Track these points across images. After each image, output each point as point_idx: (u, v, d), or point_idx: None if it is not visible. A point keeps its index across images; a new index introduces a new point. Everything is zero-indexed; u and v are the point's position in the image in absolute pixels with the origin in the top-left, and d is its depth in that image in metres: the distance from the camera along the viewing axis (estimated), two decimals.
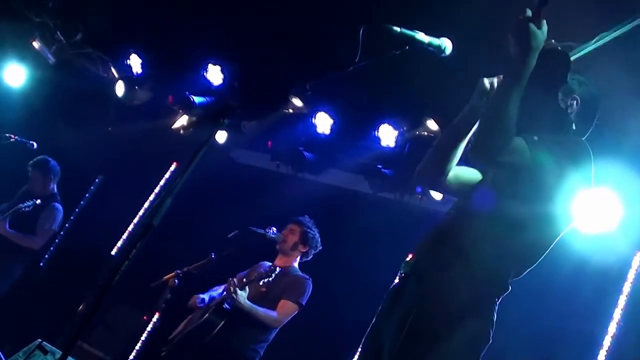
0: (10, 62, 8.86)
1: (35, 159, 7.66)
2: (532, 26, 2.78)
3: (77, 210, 9.23)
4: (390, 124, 6.98)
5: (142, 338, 6.71)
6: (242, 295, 5.78)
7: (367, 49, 3.09)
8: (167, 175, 9.26)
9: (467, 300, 3.02)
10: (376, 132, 7.05)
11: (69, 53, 9.11)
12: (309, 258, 6.46)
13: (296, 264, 6.38)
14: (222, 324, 5.86)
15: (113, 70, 9.08)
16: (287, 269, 6.27)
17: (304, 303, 6.04)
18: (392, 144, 7.02)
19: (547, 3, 2.75)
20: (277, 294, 5.99)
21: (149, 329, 6.56)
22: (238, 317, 5.84)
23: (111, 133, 9.24)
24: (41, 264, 8.47)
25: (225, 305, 5.86)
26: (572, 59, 3.08)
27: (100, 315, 7.45)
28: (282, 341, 6.22)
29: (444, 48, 3.15)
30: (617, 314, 5.80)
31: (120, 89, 8.73)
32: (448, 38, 3.17)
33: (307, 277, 6.21)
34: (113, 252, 8.94)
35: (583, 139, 3.24)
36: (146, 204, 9.01)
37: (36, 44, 8.89)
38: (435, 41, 3.14)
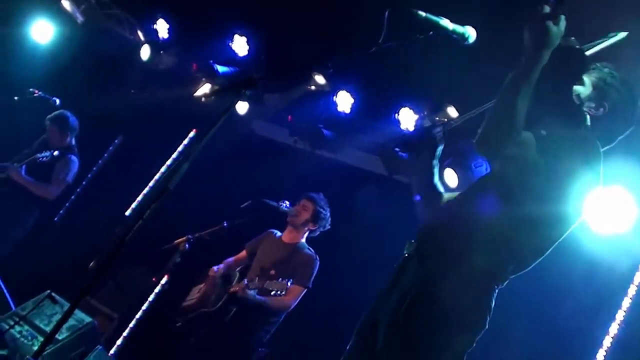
0: (39, 18, 8.91)
1: (53, 113, 7.70)
2: (549, 23, 2.76)
3: (94, 168, 9.29)
4: (410, 108, 6.98)
5: (150, 299, 6.80)
6: (252, 294, 5.88)
7: (392, 32, 3.10)
8: (185, 141, 9.31)
9: (465, 286, 3.06)
10: (396, 115, 7.04)
11: (97, 13, 9.15)
12: (315, 235, 6.54)
13: (304, 240, 6.45)
14: (235, 310, 5.98)
15: (140, 33, 9.13)
16: (295, 246, 6.34)
17: (311, 285, 6.16)
18: (411, 128, 7.02)
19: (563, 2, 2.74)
20: (287, 274, 6.05)
21: (157, 290, 6.65)
22: (250, 307, 5.95)
23: (134, 95, 9.28)
24: (56, 218, 8.55)
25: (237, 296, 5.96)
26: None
27: (111, 273, 7.52)
28: (287, 317, 6.31)
29: (468, 36, 3.17)
30: (620, 315, 5.77)
31: (145, 52, 8.78)
32: (473, 27, 3.20)
33: (315, 255, 6.29)
34: (127, 213, 9.01)
35: (613, 144, 3.23)
36: (163, 168, 9.06)
37: (65, 2, 8.94)
38: (459, 29, 3.16)
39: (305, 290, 6.12)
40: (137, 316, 6.89)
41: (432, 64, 5.98)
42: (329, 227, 6.56)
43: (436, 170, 3.74)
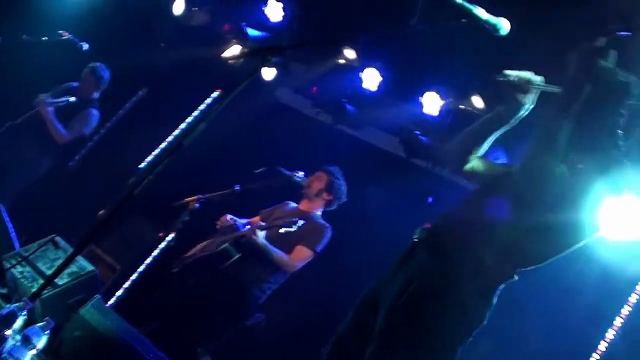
0: None
1: (95, 64, 7.72)
2: (599, 60, 2.69)
3: (114, 118, 9.29)
4: (436, 92, 6.93)
5: (154, 253, 6.81)
6: (261, 235, 5.88)
7: (426, 14, 3.07)
8: (208, 101, 9.28)
9: (470, 280, 3.05)
10: (420, 98, 7.00)
11: None
12: (332, 207, 6.50)
13: (319, 212, 6.43)
14: (236, 257, 5.98)
15: None
16: (308, 214, 6.33)
17: (318, 250, 6.11)
18: (434, 113, 6.97)
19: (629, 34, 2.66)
20: (295, 238, 6.05)
21: (162, 245, 6.66)
22: (253, 254, 5.94)
23: (162, 49, 9.25)
24: (70, 163, 8.56)
25: (244, 240, 5.97)
26: None
27: (118, 223, 7.55)
28: (296, 288, 6.32)
29: (500, 28, 3.12)
30: (618, 322, 5.76)
31: (178, 6, 8.74)
32: (507, 19, 3.15)
33: (327, 225, 6.26)
34: (142, 165, 9.01)
35: None
36: (182, 125, 9.05)
37: None
38: (493, 19, 3.12)
39: (312, 255, 6.09)
40: (140, 269, 6.89)
41: (463, 50, 5.92)
42: (346, 199, 6.53)
43: (498, 133, 3.48)
